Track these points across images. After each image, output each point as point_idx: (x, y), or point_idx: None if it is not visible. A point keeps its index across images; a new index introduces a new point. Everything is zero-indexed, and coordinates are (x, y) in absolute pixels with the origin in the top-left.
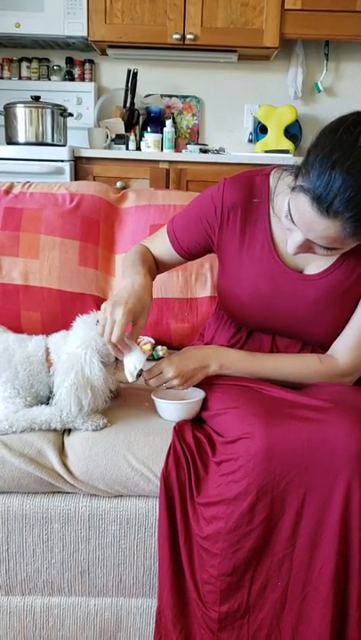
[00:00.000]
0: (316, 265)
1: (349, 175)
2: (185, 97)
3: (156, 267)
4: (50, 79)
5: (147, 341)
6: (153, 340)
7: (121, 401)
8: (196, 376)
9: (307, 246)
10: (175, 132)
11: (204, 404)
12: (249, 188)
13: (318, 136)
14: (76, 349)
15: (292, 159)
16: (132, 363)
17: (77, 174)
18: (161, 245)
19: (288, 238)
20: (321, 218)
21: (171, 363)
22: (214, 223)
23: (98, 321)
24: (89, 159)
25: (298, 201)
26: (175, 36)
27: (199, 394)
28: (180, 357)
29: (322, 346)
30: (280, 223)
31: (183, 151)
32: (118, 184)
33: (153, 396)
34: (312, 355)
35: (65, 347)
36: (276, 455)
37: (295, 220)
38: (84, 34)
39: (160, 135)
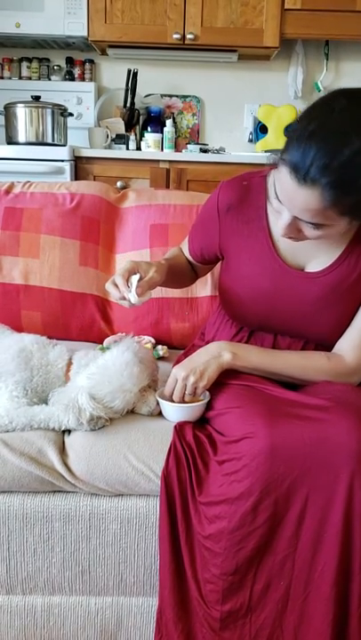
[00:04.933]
0: (317, 262)
1: (325, 143)
2: (185, 97)
3: (190, 268)
4: (50, 79)
5: (147, 341)
6: (153, 340)
7: None
8: (209, 367)
9: (296, 228)
10: (175, 132)
11: (208, 404)
12: (244, 189)
13: (299, 115)
14: (79, 385)
15: None
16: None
17: (78, 174)
18: (186, 251)
19: (278, 221)
20: (300, 187)
21: (179, 366)
22: (215, 227)
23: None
24: (89, 159)
25: (280, 175)
26: (175, 36)
27: (204, 397)
28: (187, 358)
29: (324, 345)
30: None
31: (183, 151)
32: (118, 184)
33: (157, 397)
34: (320, 352)
35: (80, 374)
36: (280, 455)
37: (280, 197)
38: (84, 34)
39: (160, 135)
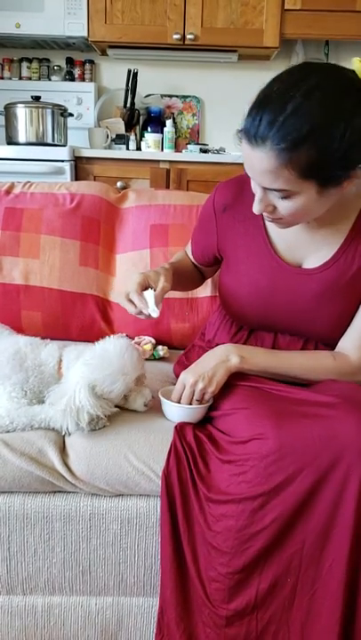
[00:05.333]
0: (314, 259)
1: (271, 104)
2: (185, 97)
3: (196, 270)
4: (50, 79)
5: (147, 341)
6: (153, 340)
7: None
8: (218, 372)
9: (268, 203)
10: (175, 132)
11: (213, 404)
12: (240, 188)
13: None
14: (75, 379)
15: None
16: (150, 307)
17: (78, 174)
18: (190, 254)
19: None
20: (253, 148)
21: (187, 370)
22: (213, 227)
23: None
24: (89, 159)
25: (241, 148)
26: (175, 36)
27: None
28: (195, 363)
29: (324, 342)
30: None
31: (183, 151)
32: (119, 184)
33: (160, 395)
34: (325, 352)
35: (74, 366)
36: (288, 455)
37: (246, 170)
38: (85, 34)
39: (160, 135)
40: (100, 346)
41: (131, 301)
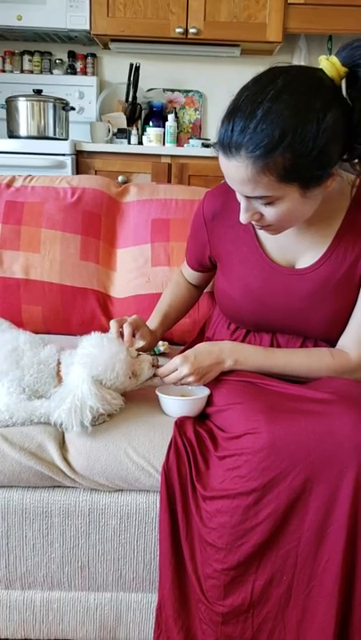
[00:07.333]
0: (306, 259)
1: (240, 112)
2: (187, 91)
3: (191, 292)
4: (52, 73)
5: None
6: None
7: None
8: (211, 372)
9: (254, 212)
10: (177, 127)
11: (209, 400)
12: (227, 195)
13: None
14: (78, 378)
15: None
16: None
17: (79, 168)
18: (185, 270)
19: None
20: (229, 159)
21: (185, 360)
22: (204, 236)
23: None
24: (91, 153)
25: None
26: (178, 30)
27: (204, 391)
28: (194, 354)
29: (323, 339)
30: None
31: (185, 146)
32: (120, 178)
33: (157, 392)
34: (324, 349)
35: (72, 370)
36: (282, 450)
37: (226, 180)
38: (87, 27)
39: (162, 129)
40: (81, 349)
41: (119, 327)
